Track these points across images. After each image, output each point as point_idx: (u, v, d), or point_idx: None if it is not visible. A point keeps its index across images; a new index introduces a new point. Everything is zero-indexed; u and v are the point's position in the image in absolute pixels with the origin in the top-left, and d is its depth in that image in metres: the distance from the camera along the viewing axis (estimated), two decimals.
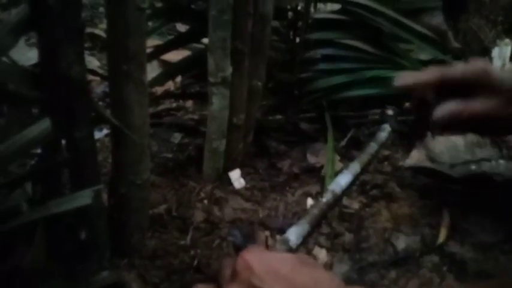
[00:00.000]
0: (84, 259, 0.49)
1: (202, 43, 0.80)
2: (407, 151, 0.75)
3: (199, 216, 0.63)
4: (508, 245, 0.56)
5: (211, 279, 0.49)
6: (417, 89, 0.55)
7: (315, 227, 0.61)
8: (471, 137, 0.74)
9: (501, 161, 0.69)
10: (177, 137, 0.85)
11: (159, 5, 0.79)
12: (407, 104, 0.87)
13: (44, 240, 0.42)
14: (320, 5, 1.01)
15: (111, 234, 0.52)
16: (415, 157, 0.73)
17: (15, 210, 0.43)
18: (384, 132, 0.80)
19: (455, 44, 0.96)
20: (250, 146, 0.77)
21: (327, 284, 0.41)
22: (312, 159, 0.77)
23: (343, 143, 0.82)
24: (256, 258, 0.43)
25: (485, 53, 0.96)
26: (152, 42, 0.98)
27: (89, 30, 1.39)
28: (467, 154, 0.72)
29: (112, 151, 0.52)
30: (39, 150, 0.45)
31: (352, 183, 0.68)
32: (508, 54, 0.96)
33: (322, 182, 0.70)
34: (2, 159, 0.39)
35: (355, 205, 0.65)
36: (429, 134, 0.75)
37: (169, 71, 0.84)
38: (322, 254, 0.57)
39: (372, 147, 0.76)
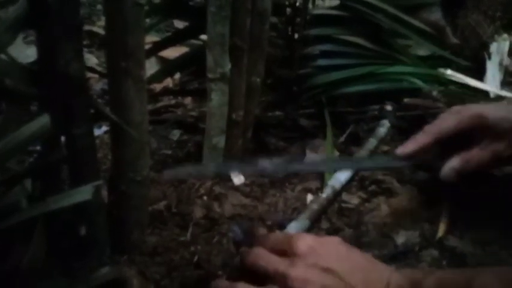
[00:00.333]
0: (84, 256, 0.49)
1: (200, 39, 0.80)
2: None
3: (199, 212, 0.63)
4: (507, 239, 0.56)
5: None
6: (416, 154, 0.57)
7: (315, 222, 0.61)
8: None
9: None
10: (176, 134, 0.85)
11: (157, 1, 0.79)
12: (406, 100, 0.87)
13: (44, 236, 0.42)
14: (318, 1, 1.01)
15: (111, 231, 0.52)
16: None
17: (14, 207, 0.43)
18: (383, 128, 0.80)
19: (454, 40, 0.96)
20: (250, 142, 0.77)
21: (377, 263, 0.45)
22: (311, 155, 0.77)
23: (342, 138, 0.82)
24: (316, 242, 0.45)
25: (484, 48, 0.96)
26: (150, 38, 0.97)
27: (87, 27, 1.39)
28: None
29: (111, 148, 0.52)
30: (38, 147, 0.45)
31: (351, 179, 0.69)
32: (506, 49, 0.96)
33: (321, 177, 0.70)
34: (1, 155, 0.39)
35: (355, 200, 0.65)
36: None
37: (168, 67, 0.84)
38: None
39: (371, 142, 0.76)
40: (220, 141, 0.69)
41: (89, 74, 1.07)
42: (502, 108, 0.55)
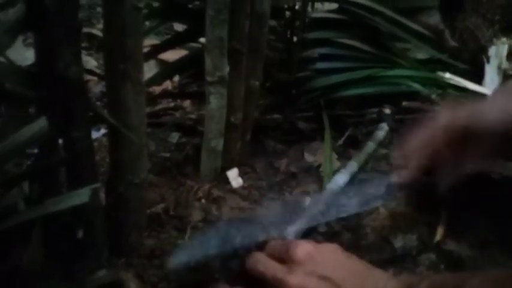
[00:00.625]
0: (82, 258, 0.49)
1: (199, 42, 0.80)
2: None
3: (197, 215, 0.63)
4: (504, 243, 0.56)
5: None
6: (414, 179, 0.56)
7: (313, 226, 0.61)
8: None
9: (499, 160, 0.70)
10: (174, 137, 0.85)
11: (156, 4, 0.79)
12: (404, 103, 0.87)
13: (42, 239, 0.42)
14: (317, 4, 1.01)
15: (109, 233, 0.52)
16: None
17: (12, 209, 0.43)
18: (382, 131, 0.81)
19: (452, 43, 0.96)
20: (248, 145, 0.77)
21: (374, 269, 0.45)
22: (309, 158, 0.77)
23: (340, 142, 0.82)
24: (314, 249, 0.46)
25: (482, 52, 0.96)
26: (149, 41, 0.98)
27: (86, 30, 1.39)
28: None
29: (109, 151, 0.52)
30: (37, 150, 0.45)
31: (349, 182, 0.68)
32: (505, 53, 0.96)
33: (320, 181, 0.70)
34: None
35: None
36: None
37: (167, 70, 0.84)
38: None
39: (370, 146, 0.76)
40: (218, 144, 0.69)
41: (88, 77, 1.07)
42: (494, 109, 0.54)
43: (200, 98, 0.69)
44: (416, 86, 0.87)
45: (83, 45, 1.32)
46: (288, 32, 0.86)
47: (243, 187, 0.70)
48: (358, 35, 0.88)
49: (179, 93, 1.00)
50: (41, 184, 0.46)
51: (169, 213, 0.63)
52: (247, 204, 0.66)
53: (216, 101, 0.66)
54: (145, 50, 0.71)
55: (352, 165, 0.71)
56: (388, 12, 0.87)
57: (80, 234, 0.49)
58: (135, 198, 0.53)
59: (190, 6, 0.77)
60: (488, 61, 0.96)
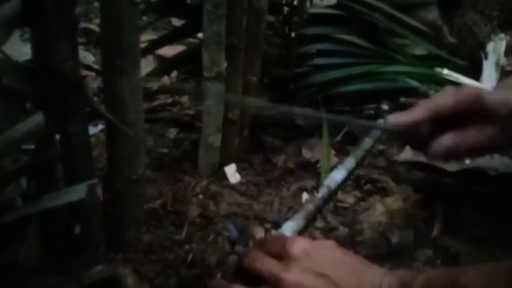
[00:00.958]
0: (79, 254, 0.49)
1: (197, 38, 0.80)
2: (402, 146, 0.76)
3: (194, 211, 0.63)
4: (501, 239, 0.56)
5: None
6: (410, 128, 0.53)
7: (310, 221, 0.61)
8: None
9: (495, 156, 0.70)
10: (172, 132, 0.85)
11: None
12: (402, 99, 0.88)
13: (38, 234, 0.42)
14: (316, 0, 1.01)
15: (106, 229, 0.52)
16: (410, 152, 0.73)
17: (9, 205, 0.43)
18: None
19: (451, 39, 0.96)
20: (246, 140, 0.77)
21: (371, 266, 0.45)
22: (307, 154, 0.77)
23: (338, 138, 0.82)
24: (310, 246, 0.46)
25: (480, 48, 0.96)
26: (147, 36, 0.97)
27: (83, 25, 1.38)
28: None
29: (107, 146, 0.52)
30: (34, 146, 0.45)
31: (347, 178, 0.69)
32: (503, 49, 0.96)
33: (317, 176, 0.71)
34: None
35: (350, 199, 0.65)
36: None
37: (164, 66, 0.84)
38: None
39: (367, 142, 0.76)
40: (216, 139, 0.69)
41: (86, 72, 1.07)
42: (499, 92, 0.53)
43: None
44: (414, 82, 0.87)
45: (81, 40, 1.31)
46: (286, 28, 0.86)
47: (240, 183, 0.70)
48: (356, 30, 0.88)
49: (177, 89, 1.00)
50: (38, 180, 0.46)
51: (167, 209, 0.63)
52: (245, 200, 0.66)
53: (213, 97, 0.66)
54: (142, 45, 0.71)
55: (350, 161, 0.71)
56: (387, 8, 0.87)
57: (77, 229, 0.49)
58: (132, 194, 0.53)
59: (188, 1, 0.76)
60: (486, 57, 0.96)
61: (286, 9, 0.86)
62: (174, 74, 1.06)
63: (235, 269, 0.50)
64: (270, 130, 0.84)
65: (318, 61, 0.87)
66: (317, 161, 0.74)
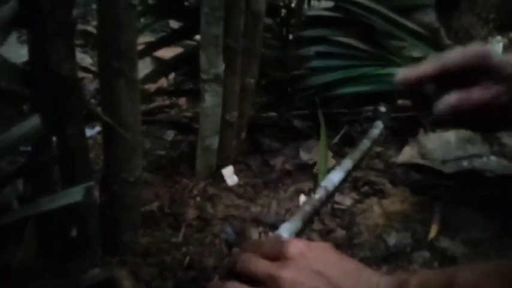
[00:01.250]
0: (76, 256, 0.49)
1: (195, 40, 0.80)
2: (400, 148, 0.76)
3: (191, 213, 0.63)
4: (498, 241, 0.56)
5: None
6: (418, 83, 0.53)
7: (307, 223, 0.61)
8: (463, 133, 0.74)
9: (492, 158, 0.70)
10: (170, 134, 0.85)
11: (151, 1, 0.79)
12: (399, 101, 0.88)
13: (35, 237, 0.42)
14: (313, 2, 1.01)
15: (103, 231, 0.52)
16: (407, 154, 0.73)
17: (5, 207, 0.43)
18: (377, 129, 0.81)
19: (448, 42, 0.97)
20: (243, 143, 0.77)
21: (366, 269, 0.45)
22: (304, 156, 0.77)
23: (335, 140, 0.82)
24: (307, 247, 0.46)
25: None
26: (145, 38, 0.97)
27: (81, 27, 1.38)
28: (459, 150, 0.72)
29: (104, 148, 0.52)
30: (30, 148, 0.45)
31: (344, 180, 0.69)
32: (500, 51, 0.97)
33: (314, 178, 0.71)
34: None
35: (347, 201, 0.65)
36: (421, 130, 0.76)
37: (162, 68, 0.84)
38: None
39: (365, 143, 0.76)
40: (213, 142, 0.69)
41: (83, 74, 1.07)
42: (506, 54, 0.53)
43: (196, 96, 0.69)
44: None
45: (78, 42, 1.31)
46: (284, 30, 0.86)
47: (238, 185, 0.70)
48: (353, 33, 0.88)
49: (175, 91, 1.00)
50: (34, 182, 0.46)
51: (164, 211, 0.63)
52: (242, 202, 0.66)
53: (211, 99, 0.66)
54: (140, 47, 0.71)
55: (347, 163, 0.71)
56: (384, 11, 0.87)
57: (74, 232, 0.49)
58: (129, 197, 0.53)
59: (185, 3, 0.76)
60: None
61: (284, 11, 0.86)
62: (171, 76, 1.06)
63: (228, 272, 0.50)
64: (268, 132, 0.84)
65: (316, 63, 0.87)
66: (314, 163, 0.74)
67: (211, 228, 0.60)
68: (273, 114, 0.89)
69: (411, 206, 0.63)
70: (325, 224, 0.62)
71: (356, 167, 0.72)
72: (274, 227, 0.60)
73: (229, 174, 0.71)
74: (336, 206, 0.65)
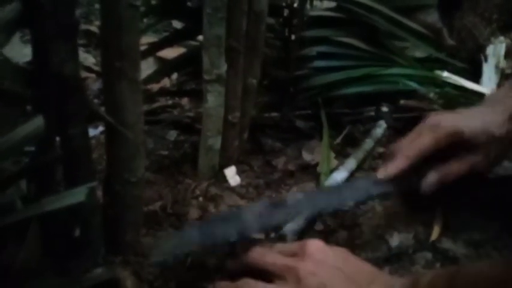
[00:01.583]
0: (78, 256, 0.49)
1: (197, 40, 0.80)
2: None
3: (194, 213, 0.63)
4: (500, 241, 0.56)
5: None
6: (398, 177, 0.58)
7: (311, 223, 0.61)
8: None
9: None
10: (172, 135, 0.85)
11: (154, 1, 0.79)
12: (402, 102, 0.88)
13: (38, 237, 0.42)
14: (316, 2, 1.01)
15: (105, 231, 0.52)
16: None
17: (9, 208, 0.43)
18: (380, 129, 0.81)
19: (450, 42, 0.96)
20: (246, 143, 0.77)
21: (382, 272, 0.47)
22: (307, 156, 0.77)
23: (338, 140, 0.82)
24: (324, 245, 0.47)
25: (480, 50, 0.96)
26: (148, 39, 0.98)
27: (84, 26, 1.38)
28: None
29: (106, 148, 0.52)
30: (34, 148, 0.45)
31: (348, 179, 0.69)
32: (503, 52, 0.96)
33: (317, 179, 0.71)
34: None
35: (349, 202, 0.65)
36: None
37: (165, 68, 0.84)
38: None
39: (368, 143, 0.76)
40: (216, 142, 0.69)
41: (86, 74, 1.07)
42: (477, 119, 0.57)
43: (198, 96, 0.69)
44: (414, 85, 0.87)
45: (81, 42, 1.31)
46: (286, 30, 0.86)
47: (240, 185, 0.70)
48: (356, 33, 0.88)
49: (177, 91, 1.00)
50: (38, 182, 0.46)
51: (167, 211, 0.63)
52: (245, 202, 0.66)
53: (213, 99, 0.66)
54: (143, 47, 0.71)
55: (351, 163, 0.71)
56: (386, 11, 0.87)
57: (77, 232, 0.49)
58: (132, 197, 0.53)
59: (188, 4, 0.76)
60: (486, 60, 0.96)
61: (286, 11, 0.86)
62: (174, 76, 1.07)
63: (233, 271, 0.50)
64: (270, 132, 0.84)
65: (318, 63, 0.87)
66: (317, 164, 0.74)
67: None
68: (275, 114, 0.89)
69: (413, 207, 0.63)
70: (327, 224, 0.62)
71: (359, 167, 0.72)
72: (276, 227, 0.60)
73: (232, 175, 0.71)
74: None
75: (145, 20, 0.83)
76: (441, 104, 0.87)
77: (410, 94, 0.88)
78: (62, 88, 0.43)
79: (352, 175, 0.70)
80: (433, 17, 0.95)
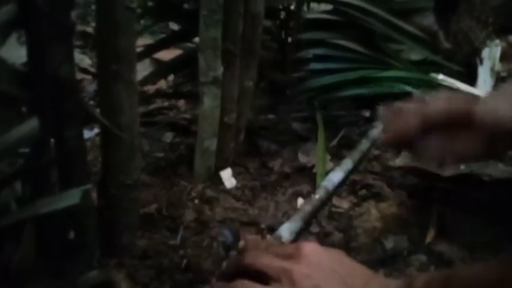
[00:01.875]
0: (73, 258, 0.49)
1: (194, 42, 0.80)
2: (397, 151, 0.76)
3: (190, 215, 0.63)
4: (495, 244, 0.56)
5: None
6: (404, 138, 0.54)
7: (307, 224, 0.61)
8: None
9: (490, 161, 0.70)
10: (168, 136, 0.85)
11: (151, 3, 0.79)
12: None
13: (33, 239, 0.42)
14: (313, 5, 1.01)
15: (101, 233, 0.52)
16: (405, 157, 0.73)
17: (4, 209, 0.43)
18: (376, 130, 0.81)
19: (446, 45, 0.97)
20: (242, 145, 0.77)
21: (378, 274, 0.46)
22: (303, 158, 0.78)
23: (334, 142, 0.82)
24: (319, 247, 0.46)
25: (476, 53, 0.97)
26: (144, 40, 0.98)
27: (81, 28, 1.38)
28: None
29: (102, 151, 0.52)
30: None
31: (344, 180, 0.69)
32: (498, 55, 0.97)
33: (313, 181, 0.71)
34: None
35: (345, 205, 0.65)
36: None
37: (161, 70, 0.84)
38: None
39: (364, 144, 0.76)
40: (212, 144, 0.69)
41: (82, 75, 1.07)
42: (490, 100, 0.52)
43: (194, 98, 0.69)
44: (410, 88, 0.87)
45: (78, 43, 1.31)
46: (283, 33, 0.87)
47: (236, 187, 0.70)
48: (352, 36, 0.88)
49: (173, 93, 1.01)
50: (33, 184, 0.46)
51: (162, 214, 0.63)
52: (240, 205, 0.66)
53: (209, 102, 0.66)
54: (139, 49, 0.71)
55: (347, 163, 0.71)
56: (383, 14, 0.88)
57: (72, 234, 0.49)
58: (127, 199, 0.53)
59: (185, 5, 0.77)
60: (481, 63, 0.96)
61: (282, 14, 0.86)
62: (170, 78, 1.07)
63: (228, 273, 0.50)
64: (266, 134, 0.84)
65: (314, 66, 0.87)
66: (313, 166, 0.74)
67: (209, 231, 0.60)
68: (272, 116, 0.89)
69: (408, 209, 0.64)
70: (323, 226, 0.62)
71: (356, 167, 0.72)
72: (272, 230, 0.60)
73: (228, 177, 0.71)
74: (333, 209, 0.65)
75: (141, 22, 0.83)
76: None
77: (406, 97, 0.88)
78: (57, 90, 0.43)
79: (348, 175, 0.70)
80: (429, 20, 0.96)
